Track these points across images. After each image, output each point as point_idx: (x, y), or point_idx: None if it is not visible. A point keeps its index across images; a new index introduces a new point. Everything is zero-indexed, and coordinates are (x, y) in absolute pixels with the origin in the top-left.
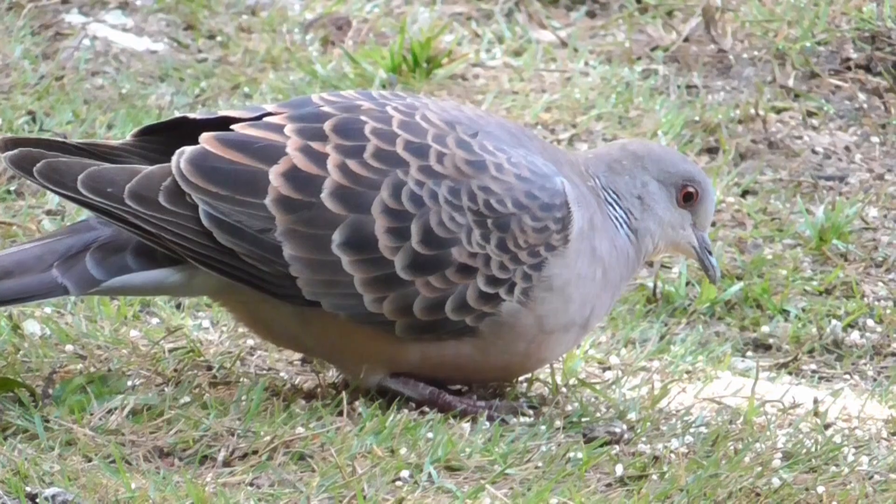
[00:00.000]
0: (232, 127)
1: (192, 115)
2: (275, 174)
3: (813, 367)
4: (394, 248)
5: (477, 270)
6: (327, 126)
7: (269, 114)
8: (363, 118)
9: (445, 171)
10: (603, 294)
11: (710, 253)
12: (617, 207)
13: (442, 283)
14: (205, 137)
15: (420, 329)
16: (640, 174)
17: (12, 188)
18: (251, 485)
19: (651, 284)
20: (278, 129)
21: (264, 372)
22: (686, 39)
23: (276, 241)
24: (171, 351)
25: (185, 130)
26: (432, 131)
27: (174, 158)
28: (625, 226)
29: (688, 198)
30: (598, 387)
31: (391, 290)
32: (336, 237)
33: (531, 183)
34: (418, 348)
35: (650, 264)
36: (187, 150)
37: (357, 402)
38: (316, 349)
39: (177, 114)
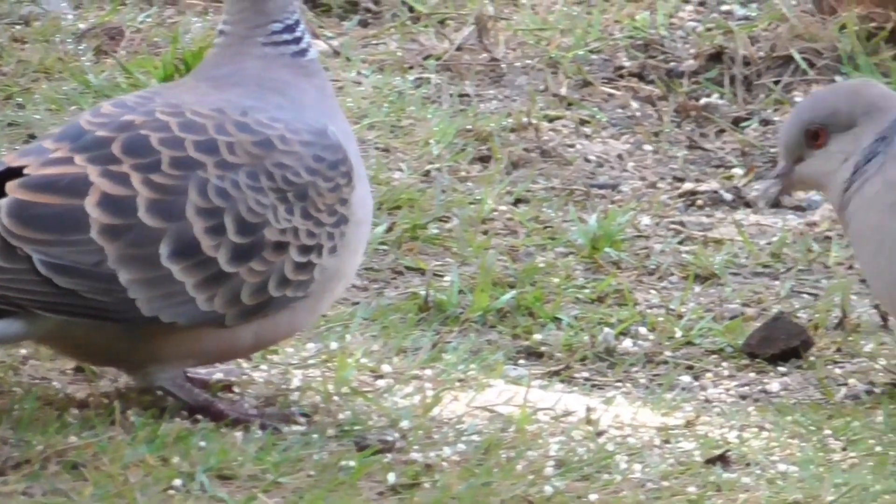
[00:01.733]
0: (24, 171)
1: None
2: (91, 206)
3: (585, 374)
4: (215, 246)
5: (289, 244)
6: (115, 149)
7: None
8: (144, 132)
9: (239, 159)
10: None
11: None
12: (291, 28)
13: (262, 266)
14: (11, 187)
15: (249, 313)
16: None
17: None
18: (24, 494)
19: (423, 293)
20: (69, 161)
21: (37, 381)
22: (459, 48)
23: (111, 270)
24: None
25: None
26: (209, 123)
27: None
28: (298, 28)
29: None
30: (370, 395)
31: (220, 286)
32: (163, 250)
33: (314, 146)
34: (250, 330)
35: (422, 273)
36: (2, 203)
37: (130, 412)
38: (142, 363)
39: None
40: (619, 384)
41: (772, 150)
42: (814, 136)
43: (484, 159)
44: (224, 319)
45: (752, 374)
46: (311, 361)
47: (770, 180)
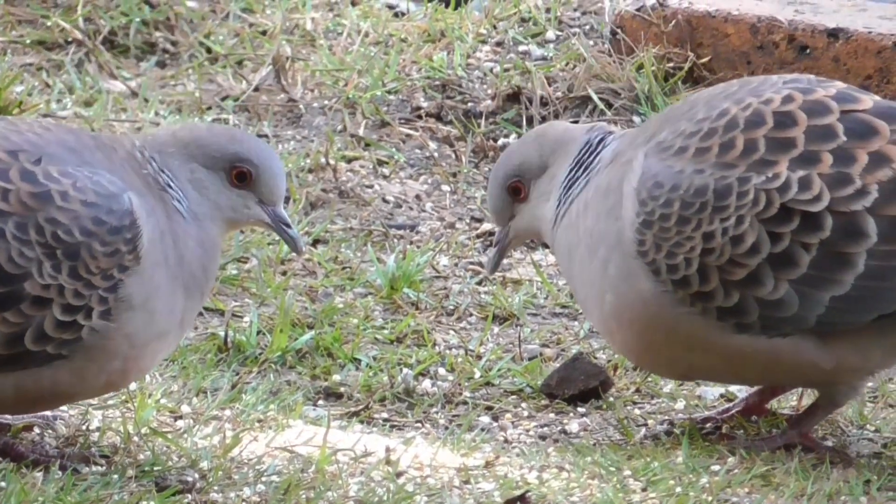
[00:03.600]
0: None
1: None
2: None
3: (385, 415)
4: None
5: (52, 301)
6: None
7: None
8: None
9: (11, 208)
10: (192, 289)
11: (288, 225)
12: (174, 190)
13: (18, 318)
14: None
15: (3, 362)
16: (187, 161)
17: None
18: None
19: (222, 333)
20: None
21: None
22: (256, 89)
23: None
24: None
25: None
26: None
27: None
28: (184, 208)
29: (241, 178)
30: (169, 436)
31: None
32: None
33: (98, 208)
34: (11, 381)
35: (221, 314)
36: None
37: None
38: None
39: None
40: (419, 425)
41: None
42: (515, 191)
43: None
44: None
45: (552, 415)
46: (110, 402)
47: (493, 250)
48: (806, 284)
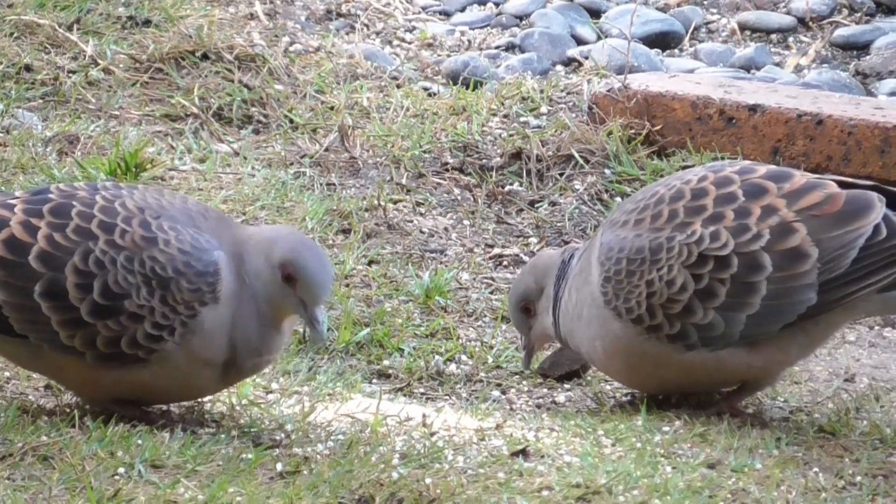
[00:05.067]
0: None
1: None
2: None
3: (422, 390)
4: (80, 299)
5: (144, 318)
6: (45, 208)
7: (16, 197)
8: (74, 203)
9: (125, 244)
10: (242, 348)
11: (318, 322)
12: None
13: (117, 326)
14: None
15: (105, 358)
16: (259, 253)
17: None
18: (8, 479)
19: (301, 330)
20: (11, 207)
21: (17, 395)
22: (326, 150)
23: None
24: None
25: None
26: (123, 214)
27: None
28: (249, 278)
29: (288, 279)
30: (262, 405)
31: (79, 329)
32: (37, 288)
33: (190, 255)
34: (110, 374)
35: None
36: None
37: (86, 418)
38: (46, 373)
39: None
40: (447, 397)
41: (558, 223)
42: (526, 310)
43: (345, 231)
44: (86, 357)
45: (545, 390)
46: None
47: (523, 353)
48: (726, 309)
